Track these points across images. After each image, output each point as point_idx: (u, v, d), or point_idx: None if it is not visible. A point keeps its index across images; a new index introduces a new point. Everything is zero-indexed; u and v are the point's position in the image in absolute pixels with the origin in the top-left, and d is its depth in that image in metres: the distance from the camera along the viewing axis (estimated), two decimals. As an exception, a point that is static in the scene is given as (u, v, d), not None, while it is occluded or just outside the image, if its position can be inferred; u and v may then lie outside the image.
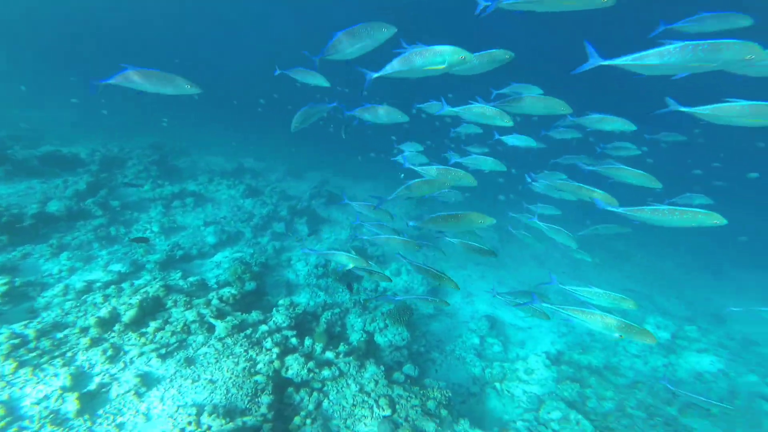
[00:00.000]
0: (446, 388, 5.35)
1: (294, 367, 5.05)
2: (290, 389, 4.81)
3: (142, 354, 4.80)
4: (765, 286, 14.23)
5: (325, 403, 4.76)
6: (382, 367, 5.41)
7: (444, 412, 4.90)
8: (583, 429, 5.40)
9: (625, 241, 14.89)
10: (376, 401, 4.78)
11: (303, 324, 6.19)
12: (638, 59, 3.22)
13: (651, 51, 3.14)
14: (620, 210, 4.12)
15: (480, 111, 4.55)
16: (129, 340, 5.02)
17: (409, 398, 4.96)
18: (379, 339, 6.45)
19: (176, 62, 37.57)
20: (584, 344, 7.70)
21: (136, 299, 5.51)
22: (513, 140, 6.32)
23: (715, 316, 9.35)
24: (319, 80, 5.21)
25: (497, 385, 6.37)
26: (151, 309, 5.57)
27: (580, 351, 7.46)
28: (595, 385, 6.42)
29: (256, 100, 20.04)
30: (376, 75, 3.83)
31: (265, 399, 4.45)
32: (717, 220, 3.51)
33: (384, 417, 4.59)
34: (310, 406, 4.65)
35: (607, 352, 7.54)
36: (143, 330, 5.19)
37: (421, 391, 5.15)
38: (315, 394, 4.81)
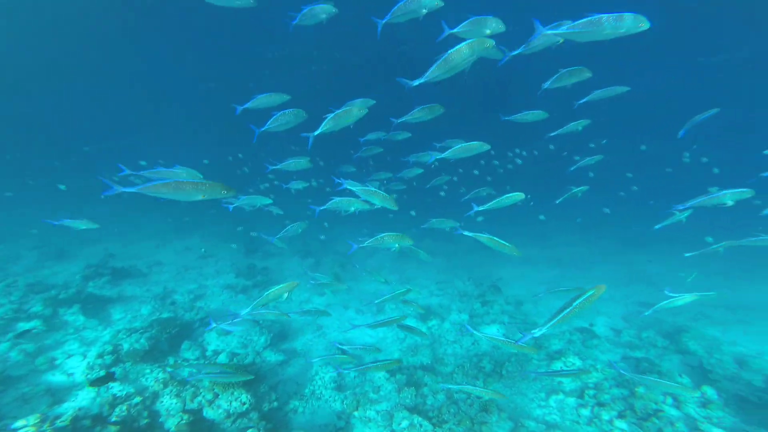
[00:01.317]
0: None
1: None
2: None
3: None
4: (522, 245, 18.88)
5: None
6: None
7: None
8: (425, 430, 5.64)
9: (431, 236, 17.47)
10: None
11: (82, 436, 4.44)
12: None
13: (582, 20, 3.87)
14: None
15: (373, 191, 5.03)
16: None
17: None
18: (210, 414, 5.24)
19: None
20: (415, 345, 8.35)
21: None
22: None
23: (495, 287, 11.80)
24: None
25: (356, 413, 6.10)
26: None
27: (412, 354, 8.04)
28: (429, 382, 6.90)
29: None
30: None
31: None
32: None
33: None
34: None
35: (434, 347, 8.37)
36: None
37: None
38: None
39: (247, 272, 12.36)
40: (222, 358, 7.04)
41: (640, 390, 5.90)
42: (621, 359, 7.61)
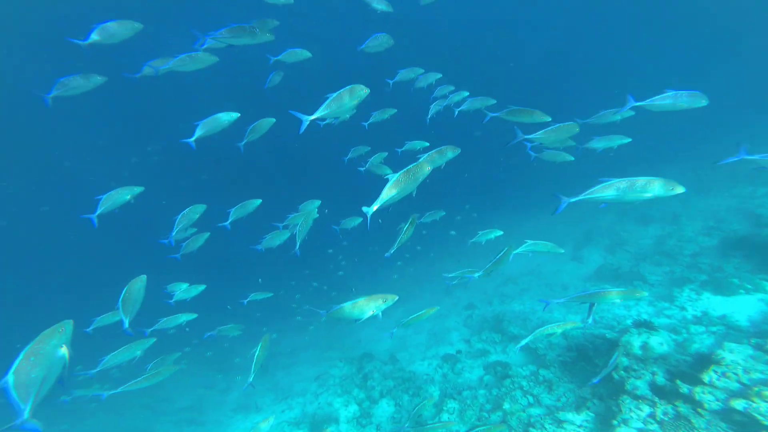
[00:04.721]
0: None
1: None
2: None
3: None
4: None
5: None
6: None
7: None
8: None
9: (292, 329, 15.69)
10: None
11: None
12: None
13: None
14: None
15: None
16: None
17: None
18: None
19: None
20: None
21: None
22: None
23: (367, 356, 11.39)
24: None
25: None
26: None
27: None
28: None
29: None
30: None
31: None
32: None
33: None
34: None
35: None
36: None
37: None
38: None
39: None
40: None
41: (506, 406, 6.48)
42: (483, 371, 8.37)
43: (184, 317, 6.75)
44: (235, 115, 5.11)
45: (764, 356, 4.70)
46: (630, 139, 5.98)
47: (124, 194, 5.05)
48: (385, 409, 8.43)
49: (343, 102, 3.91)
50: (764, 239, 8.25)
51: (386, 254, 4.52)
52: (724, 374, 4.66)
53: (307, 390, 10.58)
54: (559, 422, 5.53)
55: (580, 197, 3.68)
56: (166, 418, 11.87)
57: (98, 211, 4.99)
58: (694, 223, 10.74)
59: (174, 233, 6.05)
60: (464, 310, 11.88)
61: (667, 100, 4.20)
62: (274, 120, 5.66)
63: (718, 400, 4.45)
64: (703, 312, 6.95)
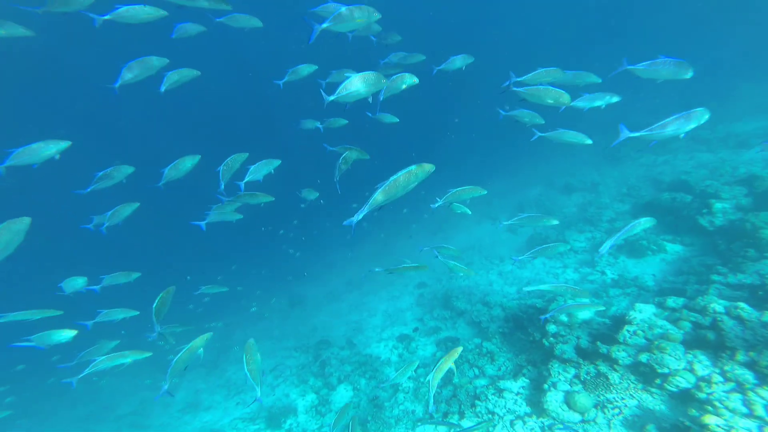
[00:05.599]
0: None
1: None
2: None
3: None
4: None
5: None
6: None
7: None
8: None
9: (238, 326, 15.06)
10: None
11: None
12: None
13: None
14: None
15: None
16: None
17: None
18: None
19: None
20: None
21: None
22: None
23: (323, 342, 11.40)
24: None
25: None
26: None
27: None
28: None
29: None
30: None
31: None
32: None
33: None
34: None
35: None
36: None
37: None
38: None
39: None
40: None
41: (455, 380, 6.82)
42: (436, 347, 8.71)
43: (122, 313, 6.02)
44: (164, 60, 4.52)
45: (663, 312, 5.36)
46: (620, 98, 5.48)
47: (48, 148, 4.19)
48: (343, 394, 8.48)
49: (351, 16, 4.06)
50: (664, 202, 9.31)
51: (334, 179, 4.82)
52: (634, 332, 5.24)
53: (263, 383, 10.31)
54: (500, 391, 5.93)
55: (643, 132, 3.76)
56: (105, 426, 11.00)
57: (7, 163, 4.05)
58: (610, 191, 11.85)
59: (90, 188, 5.23)
60: (416, 290, 12.17)
61: (655, 67, 4.13)
62: (198, 72, 5.08)
63: (629, 355, 5.02)
64: (620, 275, 7.77)
